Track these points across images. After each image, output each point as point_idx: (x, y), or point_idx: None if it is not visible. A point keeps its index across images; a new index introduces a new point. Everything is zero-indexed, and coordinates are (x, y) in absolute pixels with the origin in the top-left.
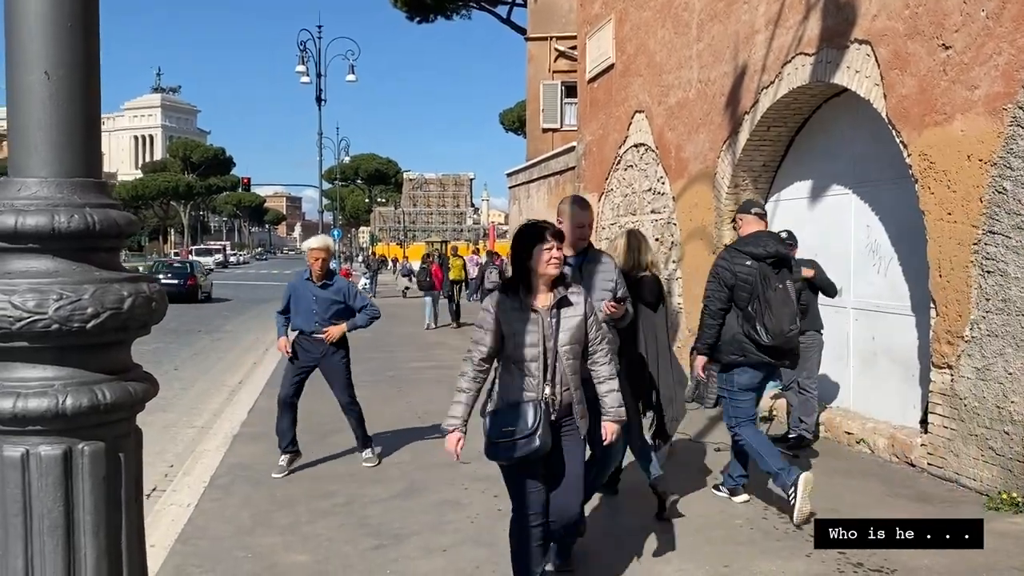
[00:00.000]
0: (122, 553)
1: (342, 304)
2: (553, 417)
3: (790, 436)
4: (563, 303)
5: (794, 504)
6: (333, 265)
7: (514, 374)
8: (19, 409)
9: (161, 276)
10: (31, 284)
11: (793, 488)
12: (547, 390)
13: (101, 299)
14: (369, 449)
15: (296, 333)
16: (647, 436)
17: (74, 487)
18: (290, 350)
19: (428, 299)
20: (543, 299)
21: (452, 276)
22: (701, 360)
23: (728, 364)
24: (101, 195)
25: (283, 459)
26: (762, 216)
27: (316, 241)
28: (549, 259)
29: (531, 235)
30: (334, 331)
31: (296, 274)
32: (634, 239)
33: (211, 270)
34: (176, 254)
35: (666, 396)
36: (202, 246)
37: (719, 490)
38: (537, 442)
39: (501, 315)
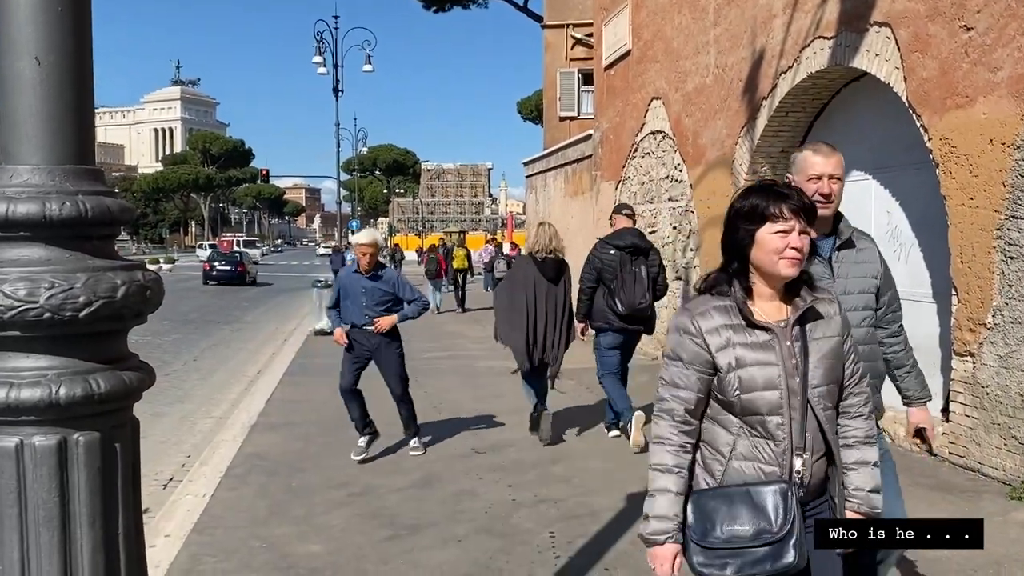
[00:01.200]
0: (119, 544)
1: (392, 296)
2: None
3: None
4: (809, 316)
5: (631, 435)
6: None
7: (736, 434)
8: (12, 399)
9: (217, 263)
10: (22, 273)
11: (630, 423)
12: (798, 463)
13: (94, 288)
14: (416, 438)
15: (348, 326)
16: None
17: (69, 478)
18: (346, 340)
19: (431, 286)
20: (774, 309)
21: (456, 265)
22: (579, 325)
23: (597, 329)
24: (94, 182)
25: (362, 440)
26: (629, 216)
27: (364, 236)
28: (784, 249)
29: (754, 206)
30: (384, 322)
31: (345, 268)
32: (549, 228)
33: (256, 262)
34: (212, 245)
35: (559, 352)
36: (247, 237)
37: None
38: (791, 554)
39: (710, 337)
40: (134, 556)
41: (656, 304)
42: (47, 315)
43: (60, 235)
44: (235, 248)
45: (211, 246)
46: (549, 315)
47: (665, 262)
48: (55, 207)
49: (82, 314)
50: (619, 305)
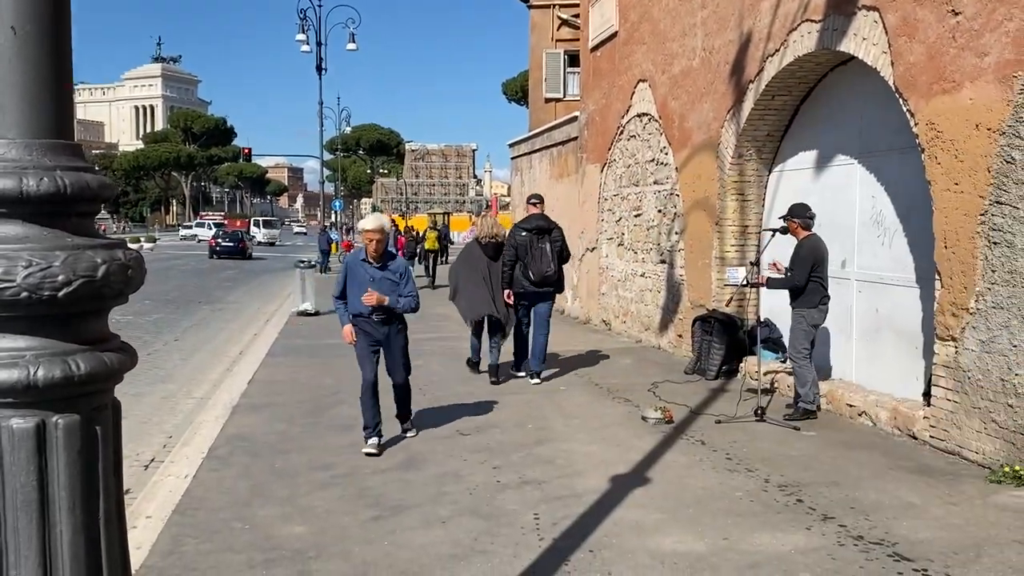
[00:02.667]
0: (100, 529)
1: (399, 284)
2: None
3: (797, 406)
4: None
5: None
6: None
7: None
8: None
9: (221, 240)
10: None
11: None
12: None
13: (73, 266)
14: (411, 423)
15: (353, 316)
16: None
17: (48, 461)
18: (355, 338)
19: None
20: None
21: (427, 247)
22: (505, 292)
23: (515, 294)
24: (73, 157)
25: (373, 440)
26: (535, 204)
27: (371, 222)
28: None
29: None
30: (377, 296)
31: (352, 253)
32: (490, 219)
33: (273, 243)
34: (199, 224)
35: (501, 312)
36: (263, 218)
37: (533, 378)
38: None
39: None
40: (115, 540)
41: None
42: (24, 294)
43: (38, 212)
44: (254, 228)
45: (197, 225)
46: (494, 283)
47: (649, 245)
48: (32, 183)
49: (61, 293)
50: (529, 275)
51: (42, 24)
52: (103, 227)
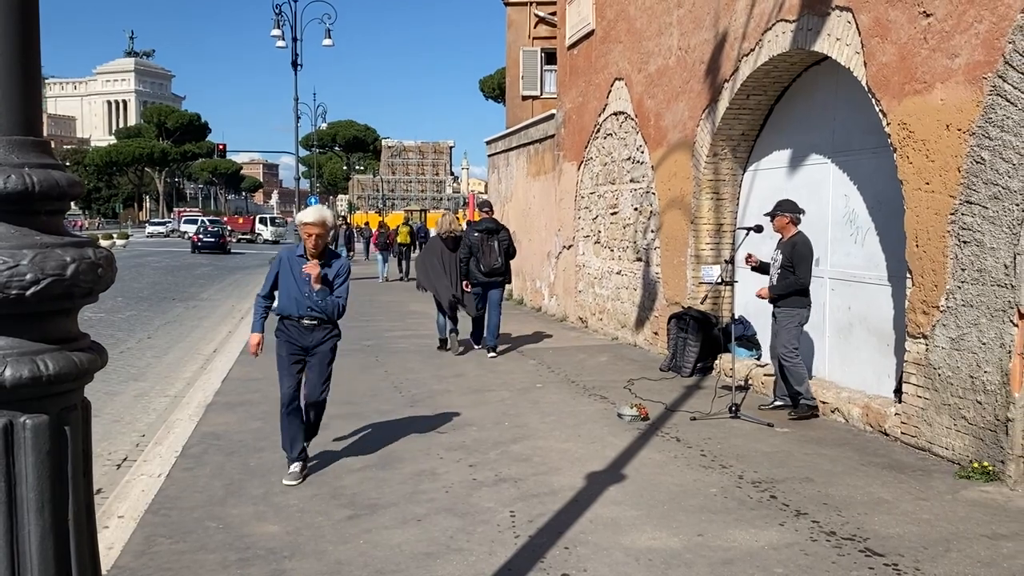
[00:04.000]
0: (69, 530)
1: (335, 286)
2: None
3: (775, 404)
4: None
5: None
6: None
7: None
8: None
9: (203, 236)
10: None
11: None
12: None
13: (42, 265)
14: (304, 460)
15: (279, 319)
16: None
17: (16, 462)
18: (260, 351)
19: (380, 257)
20: None
21: (400, 240)
22: (464, 283)
23: (472, 283)
24: (42, 155)
25: (296, 466)
26: (487, 211)
27: (310, 214)
28: None
29: None
30: (317, 271)
31: (286, 247)
32: (449, 216)
33: (279, 240)
34: (164, 222)
35: (459, 295)
36: (269, 216)
37: (490, 352)
38: None
39: None
40: (85, 540)
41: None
42: None
43: (5, 210)
44: (258, 227)
45: (161, 223)
46: (451, 271)
47: (625, 243)
48: (0, 180)
49: (29, 292)
50: (482, 267)
51: (8, 18)
52: (78, 223)
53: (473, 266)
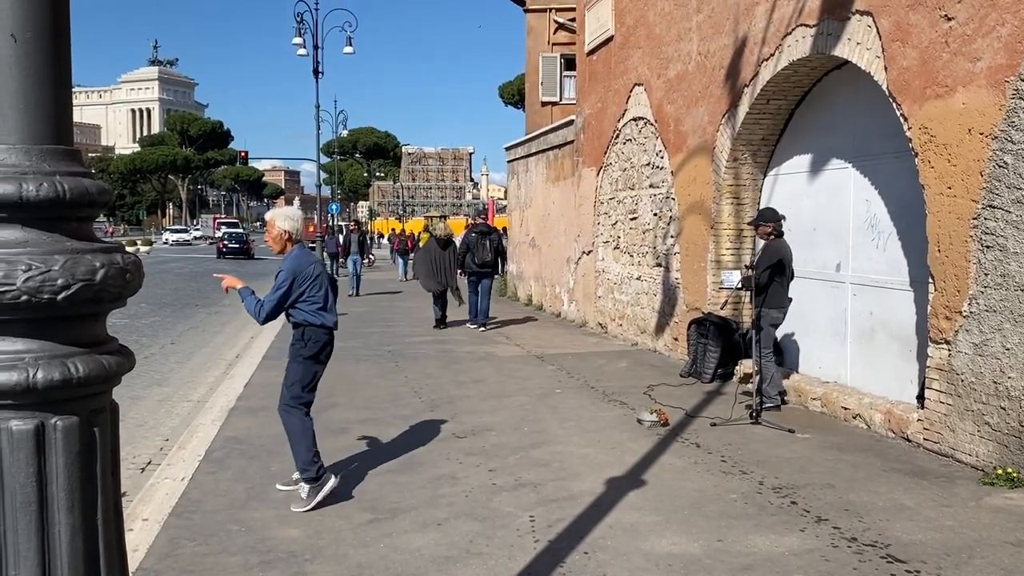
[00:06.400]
0: (98, 528)
1: (287, 291)
2: None
3: (766, 406)
4: None
5: (474, 326)
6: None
7: None
8: None
9: (227, 241)
10: None
11: (475, 321)
12: None
13: (72, 270)
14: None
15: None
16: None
17: (47, 463)
18: (224, 285)
19: (400, 260)
20: None
21: (422, 245)
22: (460, 272)
23: (467, 273)
24: (72, 163)
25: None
26: (483, 217)
27: (270, 213)
28: None
29: None
30: (230, 278)
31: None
32: (442, 222)
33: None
34: (183, 230)
35: (453, 288)
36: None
37: (480, 327)
38: None
39: None
40: (113, 540)
41: (501, 260)
42: (24, 298)
43: (37, 216)
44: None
45: (180, 230)
46: (445, 265)
47: (645, 249)
48: (32, 188)
49: (60, 297)
50: (476, 260)
51: (42, 32)
52: (108, 230)
53: (469, 259)
